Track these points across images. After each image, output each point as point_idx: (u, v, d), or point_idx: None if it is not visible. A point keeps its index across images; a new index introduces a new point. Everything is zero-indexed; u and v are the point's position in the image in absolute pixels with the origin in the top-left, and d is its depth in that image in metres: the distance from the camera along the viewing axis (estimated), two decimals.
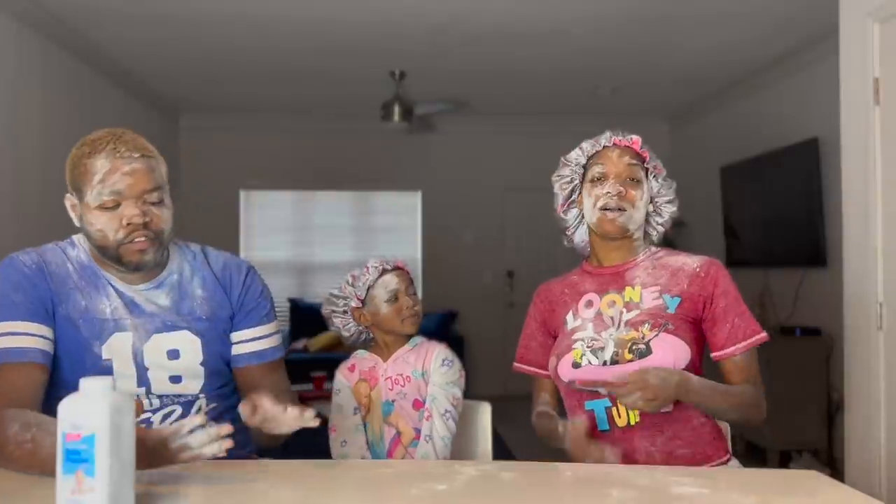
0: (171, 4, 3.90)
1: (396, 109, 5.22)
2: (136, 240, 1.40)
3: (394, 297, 1.71)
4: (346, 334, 1.77)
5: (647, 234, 1.70)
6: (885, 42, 2.52)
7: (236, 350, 1.58)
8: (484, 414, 1.87)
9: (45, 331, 1.41)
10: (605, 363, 1.54)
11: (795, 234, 4.68)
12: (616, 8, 3.97)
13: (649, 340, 1.52)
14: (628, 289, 1.61)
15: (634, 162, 1.62)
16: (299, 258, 6.86)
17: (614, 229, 1.61)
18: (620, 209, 1.59)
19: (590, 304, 1.64)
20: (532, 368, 1.75)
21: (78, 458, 0.97)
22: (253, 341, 1.58)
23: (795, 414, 4.09)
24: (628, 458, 1.51)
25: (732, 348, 1.57)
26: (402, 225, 6.96)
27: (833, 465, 4.15)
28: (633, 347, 1.52)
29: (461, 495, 1.16)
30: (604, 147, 1.66)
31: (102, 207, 1.39)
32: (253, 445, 1.63)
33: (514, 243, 6.96)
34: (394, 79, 5.20)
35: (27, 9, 3.86)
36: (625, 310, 1.58)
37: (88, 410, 0.98)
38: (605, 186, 1.61)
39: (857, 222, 2.67)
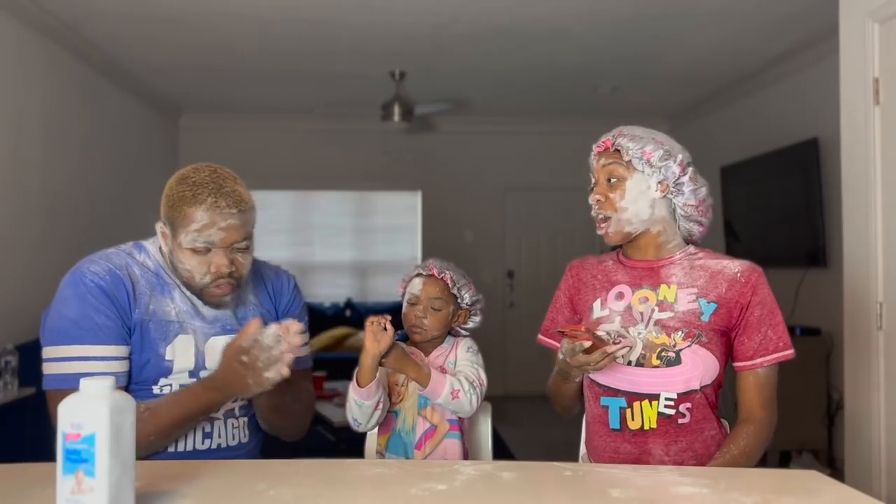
0: (171, 5, 3.90)
1: (396, 109, 5.22)
2: (221, 284, 1.49)
3: (412, 302, 1.73)
4: None
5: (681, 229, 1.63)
6: (885, 42, 2.52)
7: None
8: (484, 414, 1.87)
9: (127, 350, 1.46)
10: (629, 363, 1.52)
11: (795, 234, 4.68)
12: (616, 7, 3.97)
13: (680, 350, 1.49)
14: (663, 287, 1.56)
15: (609, 161, 1.57)
16: (299, 258, 6.86)
17: (608, 238, 1.60)
18: (605, 218, 1.58)
19: (620, 296, 1.59)
20: (556, 343, 1.70)
21: (78, 458, 0.97)
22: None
23: (795, 414, 4.09)
24: (640, 462, 1.50)
25: (760, 360, 1.52)
26: (402, 225, 6.97)
27: (833, 465, 4.15)
28: (662, 354, 1.49)
29: (461, 495, 1.16)
30: (592, 156, 1.63)
31: (194, 251, 1.45)
32: (258, 440, 1.64)
33: (514, 243, 6.97)
34: (394, 79, 5.21)
35: (27, 9, 3.86)
36: (657, 308, 1.54)
37: (88, 410, 0.98)
38: (591, 196, 1.61)
39: (857, 222, 2.67)
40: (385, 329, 1.54)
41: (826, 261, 4.36)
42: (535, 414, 5.82)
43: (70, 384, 1.37)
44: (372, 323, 1.55)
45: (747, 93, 5.47)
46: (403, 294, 1.78)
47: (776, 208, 4.92)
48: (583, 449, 1.76)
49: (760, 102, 5.34)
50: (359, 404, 1.59)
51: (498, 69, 5.14)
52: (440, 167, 6.86)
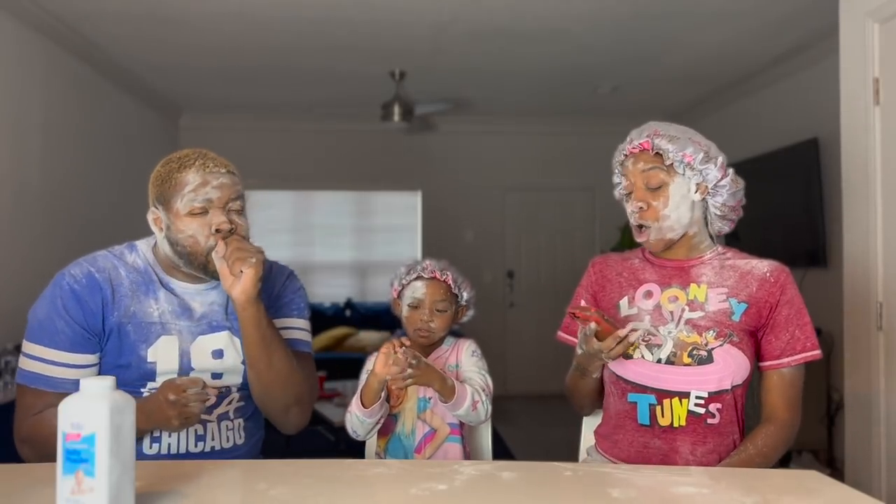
0: (171, 4, 3.90)
1: (396, 109, 5.22)
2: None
3: (414, 305, 1.72)
4: (397, 313, 1.80)
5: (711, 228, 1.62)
6: (885, 42, 2.52)
7: None
8: None
9: (84, 358, 1.46)
10: (659, 361, 1.51)
11: (795, 235, 4.68)
12: (616, 7, 3.97)
13: (713, 349, 1.49)
14: (693, 286, 1.55)
15: (650, 166, 1.52)
16: (299, 258, 6.86)
17: (650, 245, 1.58)
18: (645, 227, 1.55)
19: (649, 294, 1.58)
20: (575, 340, 1.66)
21: (78, 458, 0.97)
22: (283, 330, 1.61)
23: None
24: (667, 459, 1.50)
25: (787, 360, 1.51)
26: (402, 225, 6.97)
27: (833, 465, 4.15)
28: (694, 352, 1.49)
29: (461, 495, 1.16)
30: (624, 157, 1.58)
31: (192, 214, 1.47)
32: (255, 441, 1.63)
33: (514, 243, 6.97)
34: (394, 79, 5.20)
35: (27, 9, 3.86)
36: (687, 308, 1.53)
37: (88, 410, 0.98)
38: (630, 203, 1.56)
39: (857, 222, 2.67)
40: (400, 353, 1.51)
41: (826, 261, 4.36)
42: (535, 414, 5.82)
43: (27, 381, 1.45)
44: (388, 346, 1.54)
45: (747, 93, 5.47)
46: (397, 296, 1.78)
47: (776, 208, 4.92)
48: (583, 446, 1.76)
49: (760, 102, 5.34)
50: (360, 420, 1.59)
51: (498, 69, 5.13)
52: (440, 167, 6.86)
